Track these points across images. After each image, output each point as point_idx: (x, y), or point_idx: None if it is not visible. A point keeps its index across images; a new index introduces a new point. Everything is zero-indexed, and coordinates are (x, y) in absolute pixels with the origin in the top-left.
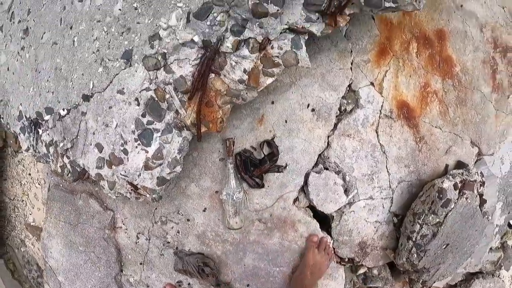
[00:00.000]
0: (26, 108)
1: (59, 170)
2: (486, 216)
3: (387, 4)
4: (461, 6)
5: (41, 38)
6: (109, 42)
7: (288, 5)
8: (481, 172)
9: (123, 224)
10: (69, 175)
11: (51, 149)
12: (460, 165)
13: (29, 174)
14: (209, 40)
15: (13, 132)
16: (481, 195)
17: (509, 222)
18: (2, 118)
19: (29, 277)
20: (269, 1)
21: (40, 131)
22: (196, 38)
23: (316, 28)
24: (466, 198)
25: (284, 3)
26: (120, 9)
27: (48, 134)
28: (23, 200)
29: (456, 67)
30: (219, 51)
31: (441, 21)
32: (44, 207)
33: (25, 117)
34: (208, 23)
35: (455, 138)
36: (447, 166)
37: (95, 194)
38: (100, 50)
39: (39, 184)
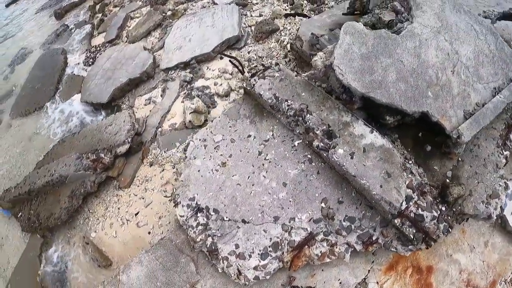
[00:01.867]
0: (199, 198)
1: (198, 240)
2: None
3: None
4: (451, 255)
5: (232, 176)
6: (269, 208)
7: (349, 232)
8: None
9: None
10: (203, 245)
11: (200, 227)
12: None
13: (118, 209)
14: (312, 231)
15: (178, 202)
16: None
17: None
18: (176, 189)
19: (51, 267)
20: (341, 231)
21: (199, 214)
22: (309, 229)
23: (358, 248)
24: None
25: (350, 232)
26: (284, 195)
27: (204, 219)
28: (98, 219)
29: None
30: (313, 238)
31: (433, 261)
32: (150, 246)
33: (196, 202)
34: (315, 226)
35: None
36: None
37: (195, 261)
38: (264, 209)
39: (120, 219)
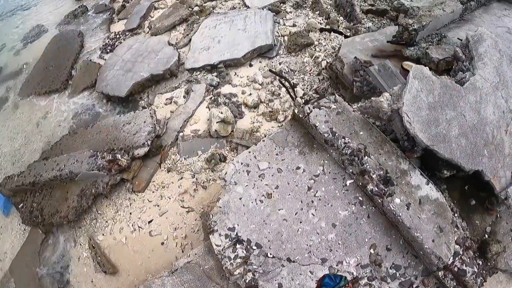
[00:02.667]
0: (240, 229)
1: (235, 273)
2: None
3: None
4: None
5: (278, 210)
6: (317, 249)
7: (393, 279)
8: None
9: None
10: (239, 279)
11: (238, 260)
12: None
13: (130, 213)
14: (357, 275)
15: (214, 230)
16: None
17: None
18: (213, 215)
19: (52, 266)
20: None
21: (238, 246)
22: (354, 273)
23: None
24: None
25: (394, 279)
26: (333, 237)
27: (243, 252)
28: (106, 221)
29: None
30: (357, 281)
31: None
32: (173, 268)
33: (236, 233)
34: (361, 271)
35: None
36: None
37: None
38: (312, 249)
39: (132, 225)
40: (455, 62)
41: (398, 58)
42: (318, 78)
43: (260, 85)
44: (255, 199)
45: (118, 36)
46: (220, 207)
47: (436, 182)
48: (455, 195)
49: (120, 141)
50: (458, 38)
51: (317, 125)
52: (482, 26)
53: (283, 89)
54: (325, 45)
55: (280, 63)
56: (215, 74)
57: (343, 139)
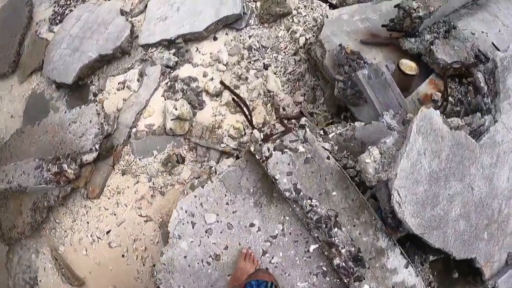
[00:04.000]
0: None
1: None
2: None
3: None
4: None
5: (227, 276)
6: None
7: None
8: None
9: None
10: None
11: None
12: None
13: (87, 223)
14: None
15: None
16: None
17: None
18: (157, 272)
19: (21, 277)
20: None
21: None
22: None
23: None
24: None
25: None
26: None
27: None
28: (65, 231)
29: None
30: None
31: None
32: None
33: None
34: None
35: None
36: None
37: None
38: None
39: (90, 236)
40: (473, 93)
41: (393, 48)
42: (294, 59)
43: (225, 65)
44: (202, 260)
45: (68, 2)
46: (165, 264)
47: (417, 252)
48: (438, 266)
49: (66, 144)
50: (471, 33)
51: (277, 178)
52: (498, 14)
53: (252, 71)
54: (305, 15)
55: (250, 37)
56: (173, 51)
57: (309, 201)
